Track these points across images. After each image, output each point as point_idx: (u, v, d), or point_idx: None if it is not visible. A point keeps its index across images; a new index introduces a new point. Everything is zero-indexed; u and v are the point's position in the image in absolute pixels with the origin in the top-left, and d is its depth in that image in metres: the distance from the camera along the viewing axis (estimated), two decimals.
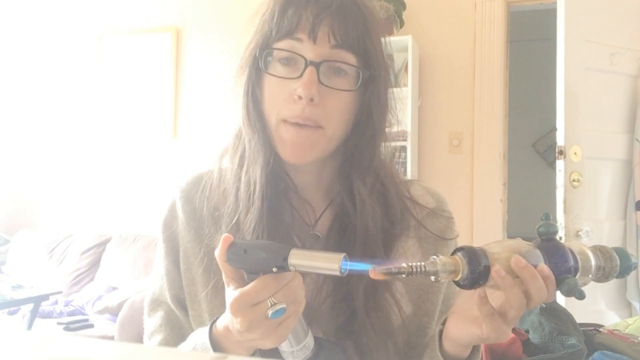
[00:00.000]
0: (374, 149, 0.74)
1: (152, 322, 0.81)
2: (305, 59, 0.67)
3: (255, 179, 0.70)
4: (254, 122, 0.72)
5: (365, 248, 0.71)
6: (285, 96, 0.69)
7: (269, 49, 0.70)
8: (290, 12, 0.69)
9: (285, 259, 0.55)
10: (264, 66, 0.70)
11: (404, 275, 0.52)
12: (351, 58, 0.69)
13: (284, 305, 0.56)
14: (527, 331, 1.34)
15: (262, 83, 0.71)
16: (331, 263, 0.54)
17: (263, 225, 0.70)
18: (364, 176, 0.73)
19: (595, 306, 2.29)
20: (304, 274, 0.59)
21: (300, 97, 0.66)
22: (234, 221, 0.72)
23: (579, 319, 1.37)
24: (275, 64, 0.70)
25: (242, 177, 0.73)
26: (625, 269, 0.62)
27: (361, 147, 0.73)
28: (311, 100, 0.66)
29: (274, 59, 0.70)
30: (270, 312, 0.56)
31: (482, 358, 0.81)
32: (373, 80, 0.71)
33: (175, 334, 0.79)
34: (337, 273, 0.54)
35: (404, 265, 0.52)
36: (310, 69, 0.67)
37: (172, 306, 0.79)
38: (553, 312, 1.33)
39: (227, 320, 0.60)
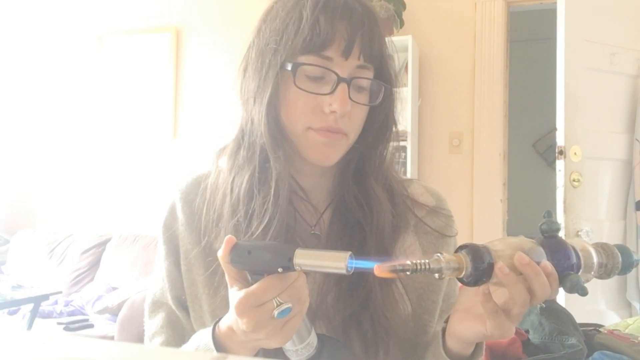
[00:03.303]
0: (384, 151, 0.78)
1: (153, 323, 0.81)
2: (337, 75, 0.69)
3: (278, 196, 0.70)
4: (275, 135, 0.71)
5: (379, 246, 0.73)
6: (311, 107, 0.70)
7: (300, 63, 0.69)
8: (323, 24, 0.68)
9: (291, 259, 0.55)
10: (295, 81, 0.69)
11: (408, 273, 0.53)
12: (372, 72, 0.72)
13: (289, 305, 0.56)
14: (527, 331, 1.34)
15: (285, 94, 0.71)
16: (337, 262, 0.54)
17: (275, 234, 0.70)
18: (377, 176, 0.77)
19: (595, 306, 2.28)
20: (306, 273, 0.60)
21: (333, 112, 0.69)
22: (247, 235, 0.71)
23: (579, 319, 1.38)
24: (301, 77, 0.70)
25: (266, 194, 0.71)
26: (627, 266, 0.62)
27: (377, 150, 0.77)
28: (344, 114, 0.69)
29: (301, 71, 0.69)
30: (276, 312, 0.56)
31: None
32: (389, 91, 0.74)
33: (177, 335, 0.79)
34: (344, 271, 0.54)
35: (409, 262, 0.53)
36: (342, 85, 0.69)
37: (174, 307, 0.79)
38: (553, 312, 1.33)
39: (231, 320, 0.60)
